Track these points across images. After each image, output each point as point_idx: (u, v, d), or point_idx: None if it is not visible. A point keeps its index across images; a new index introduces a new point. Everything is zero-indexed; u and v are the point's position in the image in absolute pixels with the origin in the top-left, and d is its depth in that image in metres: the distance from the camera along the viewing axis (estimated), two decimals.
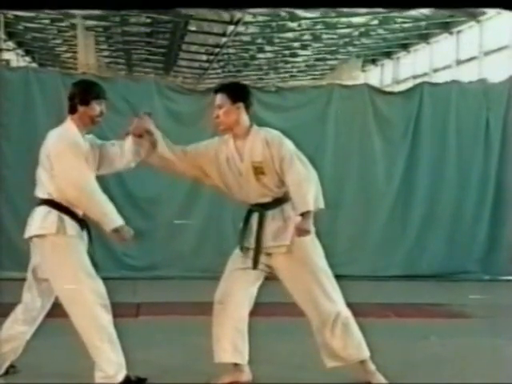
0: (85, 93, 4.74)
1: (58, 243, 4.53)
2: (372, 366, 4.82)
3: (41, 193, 4.62)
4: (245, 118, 4.78)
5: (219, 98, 4.75)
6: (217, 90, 4.81)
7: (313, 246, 4.75)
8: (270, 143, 4.66)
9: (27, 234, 4.63)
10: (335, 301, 4.73)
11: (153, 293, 8.51)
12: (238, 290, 4.74)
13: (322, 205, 4.56)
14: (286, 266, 4.70)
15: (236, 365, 4.77)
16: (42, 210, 4.58)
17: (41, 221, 4.56)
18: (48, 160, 4.56)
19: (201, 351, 5.16)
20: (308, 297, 4.70)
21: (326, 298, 4.69)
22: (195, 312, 7.01)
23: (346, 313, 4.76)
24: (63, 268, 4.51)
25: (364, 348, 4.79)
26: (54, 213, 4.54)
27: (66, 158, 4.50)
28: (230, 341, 4.71)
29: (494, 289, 9.70)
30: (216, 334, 4.75)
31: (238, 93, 4.81)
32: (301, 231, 4.48)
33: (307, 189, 4.52)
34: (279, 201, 4.70)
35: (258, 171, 4.65)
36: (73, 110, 4.72)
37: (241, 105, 4.76)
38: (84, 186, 4.48)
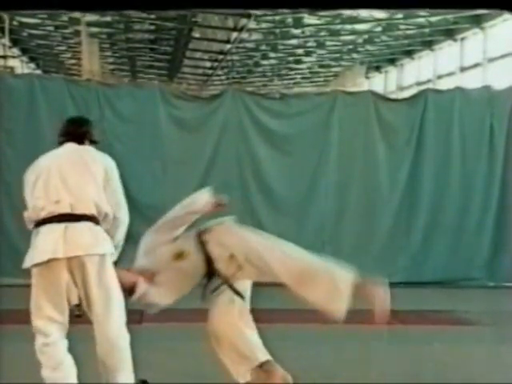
0: (94, 135, 4.76)
1: (110, 258, 4.49)
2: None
3: (85, 208, 4.40)
4: None
5: None
6: None
7: None
8: None
9: (82, 252, 4.33)
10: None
11: None
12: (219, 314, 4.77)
13: None
14: None
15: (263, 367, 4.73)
16: (90, 226, 4.39)
17: (102, 237, 4.43)
18: (105, 174, 4.50)
19: (203, 357, 5.15)
20: None
21: None
22: (198, 319, 7.00)
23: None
24: (115, 282, 4.46)
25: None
26: (102, 229, 4.47)
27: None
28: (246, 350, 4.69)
29: (498, 295, 9.67)
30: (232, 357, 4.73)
31: None
32: None
33: None
34: None
35: None
36: (80, 141, 4.67)
37: None
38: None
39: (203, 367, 5.13)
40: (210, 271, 4.69)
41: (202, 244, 4.66)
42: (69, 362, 4.34)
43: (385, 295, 4.30)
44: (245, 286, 4.81)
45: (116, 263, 4.60)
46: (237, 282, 4.75)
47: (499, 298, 9.46)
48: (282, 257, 4.57)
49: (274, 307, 7.79)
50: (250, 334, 4.72)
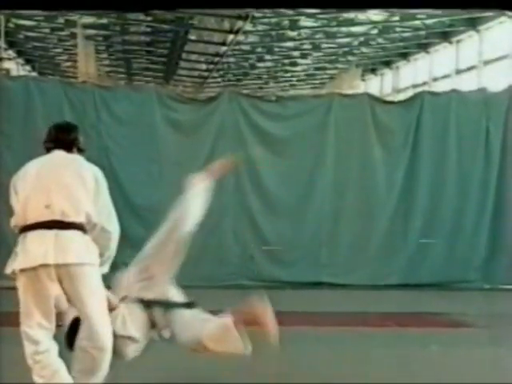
0: (81, 142, 4.68)
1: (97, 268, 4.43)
2: None
3: (76, 216, 4.31)
4: None
5: None
6: None
7: None
8: None
9: (72, 260, 4.22)
10: None
11: None
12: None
13: None
14: None
15: None
16: (80, 235, 4.31)
17: (91, 247, 4.35)
18: (95, 184, 4.42)
19: (203, 358, 5.15)
20: None
21: None
22: None
23: None
24: (100, 291, 4.40)
25: None
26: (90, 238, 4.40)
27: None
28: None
29: (494, 297, 9.69)
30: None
31: None
32: None
33: None
34: None
35: None
36: (69, 149, 4.59)
37: None
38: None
39: (203, 369, 5.14)
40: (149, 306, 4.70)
41: (122, 300, 4.65)
42: (64, 369, 4.28)
43: None
44: (180, 296, 4.90)
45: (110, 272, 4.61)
46: (171, 296, 4.82)
47: (495, 300, 9.47)
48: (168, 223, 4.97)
49: (273, 309, 7.78)
50: (209, 318, 4.75)
